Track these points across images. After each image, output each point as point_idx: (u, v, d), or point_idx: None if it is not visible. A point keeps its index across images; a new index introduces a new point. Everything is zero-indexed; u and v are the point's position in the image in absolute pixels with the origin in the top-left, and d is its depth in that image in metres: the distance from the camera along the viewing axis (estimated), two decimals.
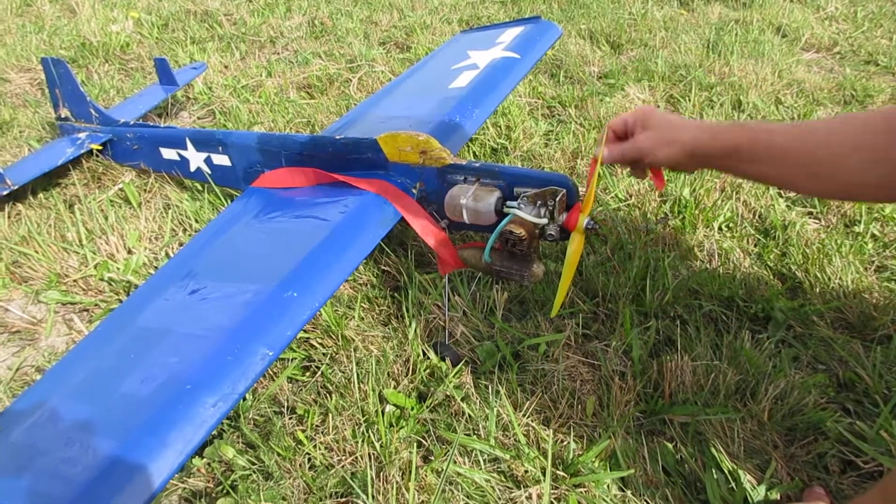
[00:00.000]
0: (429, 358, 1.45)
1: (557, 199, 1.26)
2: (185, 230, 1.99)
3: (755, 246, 1.88)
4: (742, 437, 1.29)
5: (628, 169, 1.29)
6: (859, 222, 1.97)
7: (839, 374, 1.45)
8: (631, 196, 2.07)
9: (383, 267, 1.74)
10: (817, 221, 2.02)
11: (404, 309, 1.56)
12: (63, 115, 2.38)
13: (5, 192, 2.07)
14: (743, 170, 1.11)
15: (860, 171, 0.99)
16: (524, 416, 1.29)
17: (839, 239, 1.88)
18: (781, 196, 2.14)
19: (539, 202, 1.29)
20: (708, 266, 1.78)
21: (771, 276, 1.75)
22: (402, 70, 2.89)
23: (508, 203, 1.33)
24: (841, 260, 1.77)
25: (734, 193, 2.07)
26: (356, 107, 2.20)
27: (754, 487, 1.20)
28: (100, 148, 2.26)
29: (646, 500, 1.18)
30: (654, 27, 3.61)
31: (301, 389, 1.44)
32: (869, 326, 1.58)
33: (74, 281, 1.83)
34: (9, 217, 2.10)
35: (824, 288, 1.70)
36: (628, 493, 1.19)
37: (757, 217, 2.00)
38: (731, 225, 1.96)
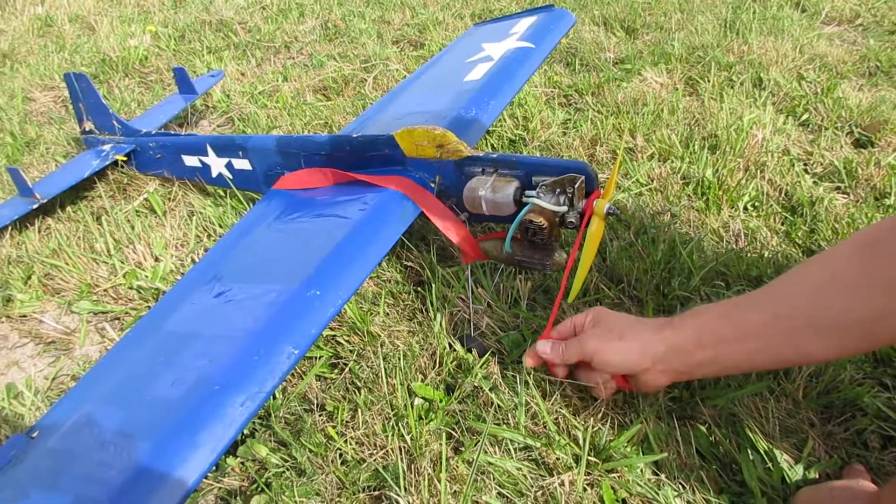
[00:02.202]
0: (455, 350, 1.45)
1: (576, 186, 1.25)
2: (209, 236, 2.02)
3: (782, 224, 1.85)
4: (777, 416, 1.26)
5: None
6: (889, 194, 1.92)
7: (875, 349, 1.42)
8: (652, 180, 2.04)
9: (406, 262, 1.75)
10: (846, 196, 1.97)
11: (429, 303, 1.57)
12: (87, 129, 2.43)
13: (35, 206, 2.12)
14: (731, 354, 1.00)
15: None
16: (553, 404, 1.29)
17: (869, 212, 1.83)
18: (808, 172, 2.09)
19: (558, 190, 1.28)
20: (734, 247, 1.74)
21: (800, 254, 1.71)
22: (417, 67, 2.89)
23: (527, 192, 1.32)
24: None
25: (758, 172, 2.04)
26: (372, 105, 2.21)
27: (791, 467, 1.18)
28: (124, 159, 2.30)
29: (680, 484, 1.16)
30: (669, 10, 3.56)
31: (330, 386, 1.45)
32: None
33: (105, 290, 1.87)
34: (39, 231, 2.15)
35: None
36: (662, 476, 1.18)
37: (783, 195, 1.96)
38: (756, 204, 1.93)
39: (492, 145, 2.34)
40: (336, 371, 1.49)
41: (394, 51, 3.26)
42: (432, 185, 1.51)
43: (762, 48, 2.94)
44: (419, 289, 1.66)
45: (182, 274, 1.84)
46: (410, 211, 1.47)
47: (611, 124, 2.36)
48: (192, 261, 1.92)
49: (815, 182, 2.03)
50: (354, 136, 1.65)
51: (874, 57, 2.85)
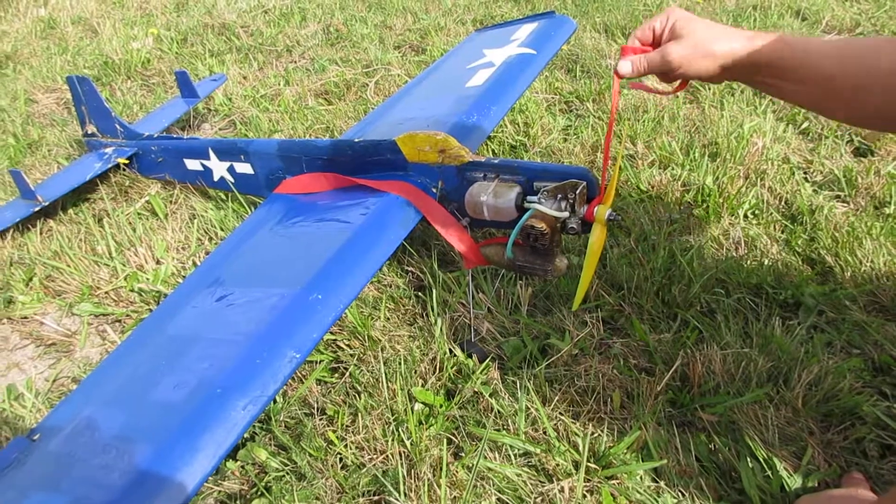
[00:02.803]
0: (455, 355, 1.46)
1: (578, 191, 1.26)
2: (210, 239, 2.02)
3: (782, 232, 1.85)
4: (776, 424, 1.27)
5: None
6: (889, 203, 1.93)
7: (874, 358, 1.42)
8: (653, 187, 2.05)
9: (407, 267, 1.75)
10: (846, 204, 1.98)
11: (429, 308, 1.57)
12: (90, 132, 2.43)
13: (36, 209, 2.12)
14: (776, 87, 1.03)
15: None
16: (553, 410, 1.29)
17: (869, 221, 1.84)
18: (808, 180, 2.10)
19: (559, 196, 1.28)
20: (735, 254, 1.75)
21: (800, 262, 1.72)
22: (418, 72, 2.90)
23: (529, 198, 1.32)
24: (872, 242, 1.73)
25: (759, 180, 2.04)
26: (374, 110, 2.21)
27: (791, 475, 1.18)
28: (126, 162, 2.30)
29: (680, 491, 1.17)
30: None
31: (330, 391, 1.45)
32: None
33: (106, 293, 1.87)
34: (41, 233, 2.16)
35: (856, 272, 1.66)
36: (661, 483, 1.18)
37: (783, 203, 1.97)
38: (756, 212, 1.93)
39: (493, 151, 2.35)
40: (336, 375, 1.50)
41: (395, 56, 3.27)
42: (434, 191, 1.51)
43: None
44: (420, 294, 1.67)
45: (183, 277, 1.85)
46: (412, 216, 1.47)
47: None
48: (194, 264, 1.92)
49: (815, 190, 2.04)
50: (356, 140, 1.65)
51: None
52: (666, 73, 1.09)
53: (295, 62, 3.39)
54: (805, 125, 2.40)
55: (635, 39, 1.14)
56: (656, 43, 1.12)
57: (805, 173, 2.15)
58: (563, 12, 3.73)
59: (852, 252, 1.71)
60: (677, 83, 1.15)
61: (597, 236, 1.24)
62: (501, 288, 1.65)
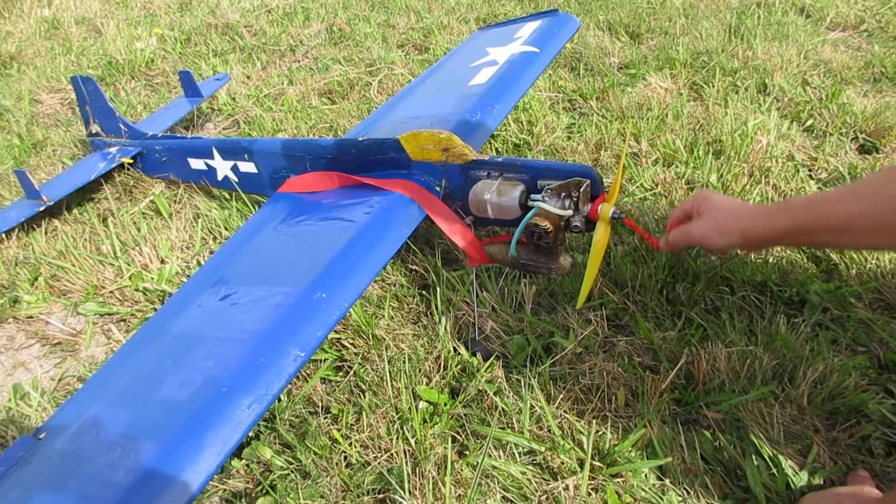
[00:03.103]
0: (459, 354, 1.46)
1: (581, 189, 1.25)
2: (214, 238, 2.02)
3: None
4: (781, 422, 1.26)
5: None
6: None
7: (880, 356, 1.42)
8: (657, 185, 2.05)
9: (411, 266, 1.75)
10: None
11: (433, 306, 1.57)
12: (94, 131, 2.44)
13: (41, 208, 2.13)
14: (808, 242, 1.11)
15: None
16: (557, 408, 1.29)
17: None
18: (812, 177, 2.09)
19: (563, 194, 1.28)
20: (739, 252, 1.74)
21: (805, 260, 1.71)
22: (422, 71, 2.89)
23: (532, 196, 1.32)
24: None
25: (763, 177, 2.04)
26: (377, 109, 2.21)
27: (796, 473, 1.18)
28: (130, 161, 2.31)
29: (685, 489, 1.17)
30: (673, 15, 3.57)
31: (335, 389, 1.45)
32: None
33: (111, 292, 1.88)
34: (46, 233, 2.16)
35: (861, 269, 1.66)
36: (666, 481, 1.18)
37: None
38: None
39: (496, 149, 2.34)
40: (341, 374, 1.50)
41: (399, 55, 3.27)
42: (438, 189, 1.51)
43: (767, 54, 2.94)
44: (424, 292, 1.67)
45: (188, 276, 1.85)
46: (416, 214, 1.47)
47: (615, 129, 2.36)
48: (198, 263, 1.93)
49: (819, 188, 2.03)
50: (360, 139, 1.65)
51: (879, 63, 2.85)
52: (694, 245, 1.18)
53: (298, 61, 3.39)
54: (810, 122, 2.40)
55: (672, 219, 1.25)
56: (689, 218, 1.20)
57: (810, 171, 2.14)
58: (566, 10, 3.72)
59: (857, 249, 1.70)
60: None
61: (601, 234, 1.24)
62: (505, 286, 1.64)
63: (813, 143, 2.29)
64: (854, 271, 1.65)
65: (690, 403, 1.32)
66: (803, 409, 1.29)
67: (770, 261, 1.70)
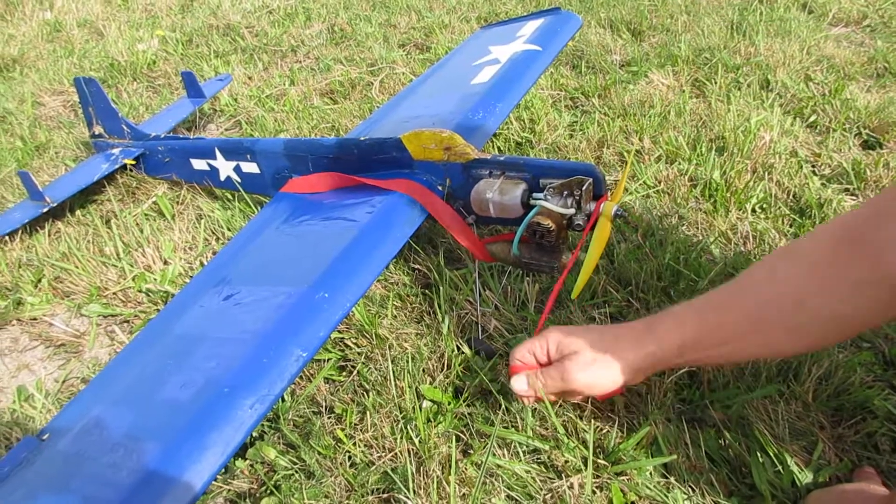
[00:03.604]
0: (463, 353, 1.45)
1: (584, 188, 1.25)
2: (217, 239, 2.03)
3: (791, 226, 1.84)
4: (787, 419, 1.26)
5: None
6: None
7: (885, 352, 1.41)
8: (660, 182, 2.04)
9: (413, 265, 1.75)
10: (854, 198, 1.96)
11: (436, 305, 1.57)
12: (97, 133, 2.44)
13: (45, 210, 2.13)
14: (707, 358, 0.97)
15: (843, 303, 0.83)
16: (561, 407, 1.29)
17: None
18: (816, 174, 2.09)
19: (566, 192, 1.28)
20: (743, 249, 1.74)
21: None
22: (423, 70, 2.89)
23: (535, 195, 1.32)
24: None
25: (766, 174, 2.03)
26: (379, 109, 2.21)
27: (802, 470, 1.17)
28: (133, 162, 2.31)
29: (690, 486, 1.16)
30: (675, 12, 3.56)
31: (338, 389, 1.45)
32: None
33: (114, 294, 1.88)
34: (49, 235, 2.17)
35: None
36: (671, 479, 1.17)
37: (791, 196, 1.96)
38: (764, 206, 1.92)
39: (498, 148, 2.34)
40: (344, 373, 1.50)
41: (400, 54, 3.27)
42: (440, 188, 1.51)
43: (769, 50, 2.93)
44: (427, 291, 1.67)
45: (190, 277, 1.85)
46: (418, 214, 1.47)
47: (618, 126, 2.35)
48: (201, 264, 1.93)
49: (823, 184, 2.02)
50: (362, 138, 1.65)
51: (882, 58, 2.84)
52: (568, 394, 1.03)
53: (300, 62, 3.39)
54: (813, 118, 2.39)
55: (516, 361, 1.09)
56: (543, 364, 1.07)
57: (813, 167, 2.13)
58: (567, 8, 3.71)
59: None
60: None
61: (602, 230, 1.24)
62: (508, 285, 1.64)
63: (816, 138, 2.28)
64: None
65: (695, 402, 1.31)
66: (808, 405, 1.29)
67: None
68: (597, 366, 0.99)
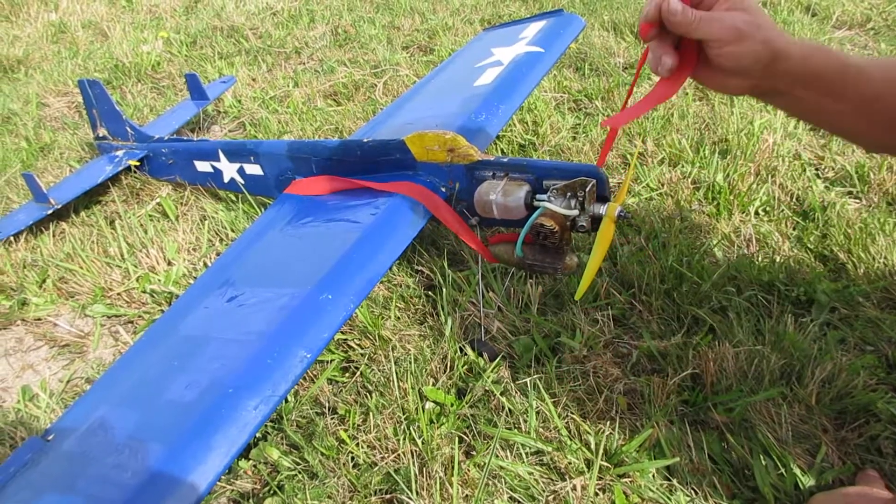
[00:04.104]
0: (466, 354, 1.46)
1: (587, 189, 1.25)
2: (221, 240, 2.03)
3: (794, 229, 1.84)
4: (790, 422, 1.26)
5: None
6: None
7: (888, 355, 1.41)
8: (663, 185, 2.04)
9: (417, 266, 1.75)
10: (858, 201, 1.96)
11: (439, 307, 1.57)
12: (101, 135, 2.45)
13: (50, 212, 2.14)
14: (815, 104, 0.89)
15: None
16: (564, 409, 1.29)
17: (882, 217, 1.82)
18: (820, 177, 2.08)
19: (569, 194, 1.28)
20: (746, 252, 1.74)
21: (812, 259, 1.71)
22: (427, 72, 2.90)
23: (538, 196, 1.32)
24: (885, 239, 1.72)
25: (769, 177, 2.03)
26: (382, 111, 2.22)
27: (805, 473, 1.18)
28: (137, 164, 2.32)
29: (692, 489, 1.16)
30: None
31: (341, 390, 1.45)
32: None
33: (118, 294, 1.89)
34: (54, 236, 2.18)
35: (869, 268, 1.65)
36: (674, 481, 1.18)
37: (794, 200, 1.96)
38: (767, 209, 1.92)
39: (502, 150, 2.34)
40: (347, 375, 1.50)
41: (404, 56, 3.27)
42: (443, 190, 1.51)
43: None
44: (430, 293, 1.67)
45: (195, 278, 1.86)
46: (421, 216, 1.47)
47: (621, 129, 2.35)
48: (205, 265, 1.93)
49: (826, 187, 2.02)
50: (365, 140, 1.66)
51: None
52: (706, 45, 0.86)
53: (303, 64, 3.40)
54: None
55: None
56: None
57: (817, 170, 2.13)
58: (571, 10, 3.72)
59: (865, 248, 1.69)
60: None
61: (605, 230, 1.24)
62: (511, 286, 1.64)
63: (820, 141, 2.28)
64: (862, 270, 1.65)
65: (698, 404, 1.31)
66: (811, 408, 1.29)
67: (777, 260, 1.69)
68: (756, 30, 0.84)
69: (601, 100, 2.65)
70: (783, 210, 1.90)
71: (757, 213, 1.91)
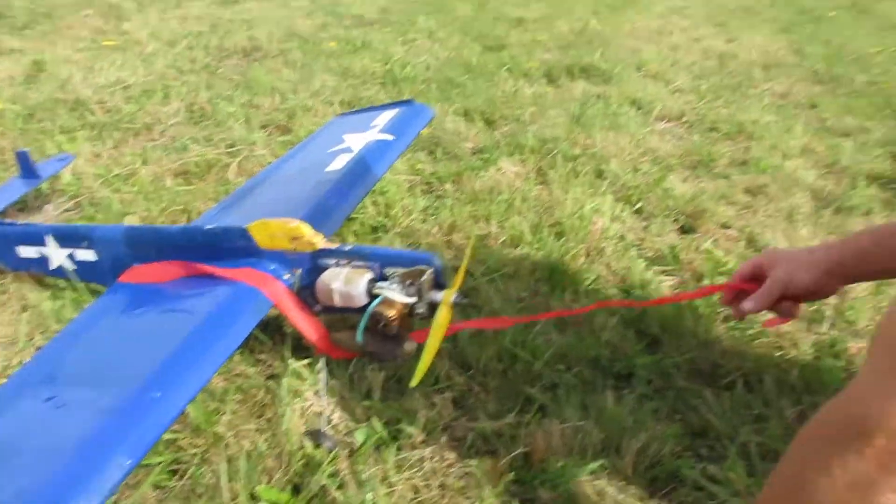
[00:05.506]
0: (305, 447, 1.44)
1: (424, 277, 1.32)
2: (42, 332, 1.88)
3: (618, 306, 2.01)
4: (611, 494, 1.35)
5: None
6: (706, 277, 2.16)
7: (693, 423, 1.56)
8: (504, 265, 2.17)
9: (258, 355, 1.72)
10: (672, 278, 2.20)
11: (279, 398, 1.55)
12: None
13: None
14: (884, 270, 1.18)
15: None
16: (400, 498, 1.30)
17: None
18: (641, 257, 2.31)
19: (408, 281, 1.34)
20: (577, 329, 1.88)
21: (633, 334, 1.87)
22: (283, 152, 2.92)
23: (379, 284, 1.37)
24: (693, 313, 1.93)
25: (598, 257, 2.23)
26: (234, 192, 2.21)
27: None
28: None
29: None
30: (524, 103, 3.87)
31: (167, 496, 1.37)
32: (718, 373, 1.73)
33: None
34: None
35: (680, 340, 1.84)
36: None
37: (619, 278, 2.16)
38: (596, 287, 2.09)
39: (354, 232, 2.39)
40: (176, 478, 1.42)
41: (261, 135, 3.29)
42: (287, 278, 1.52)
43: (604, 141, 3.26)
44: (271, 382, 1.64)
45: (7, 377, 1.70)
46: (262, 305, 1.47)
47: (467, 212, 2.50)
48: (20, 362, 1.77)
49: (646, 266, 2.24)
50: (207, 227, 1.64)
51: (697, 151, 3.25)
52: (781, 293, 1.20)
53: (154, 140, 3.31)
54: (639, 205, 2.66)
55: (737, 276, 1.29)
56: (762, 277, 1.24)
57: (639, 249, 2.36)
58: (427, 97, 3.94)
59: (677, 322, 1.89)
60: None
61: (441, 317, 1.30)
62: (355, 373, 1.66)
63: (642, 224, 2.54)
64: (675, 343, 1.83)
65: (528, 482, 1.38)
66: (629, 478, 1.39)
67: (603, 337, 1.84)
68: (795, 265, 1.18)
69: (452, 183, 2.80)
70: (609, 288, 2.09)
71: (587, 291, 2.07)
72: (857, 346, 1.85)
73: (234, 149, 3.10)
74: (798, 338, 1.87)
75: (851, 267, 1.19)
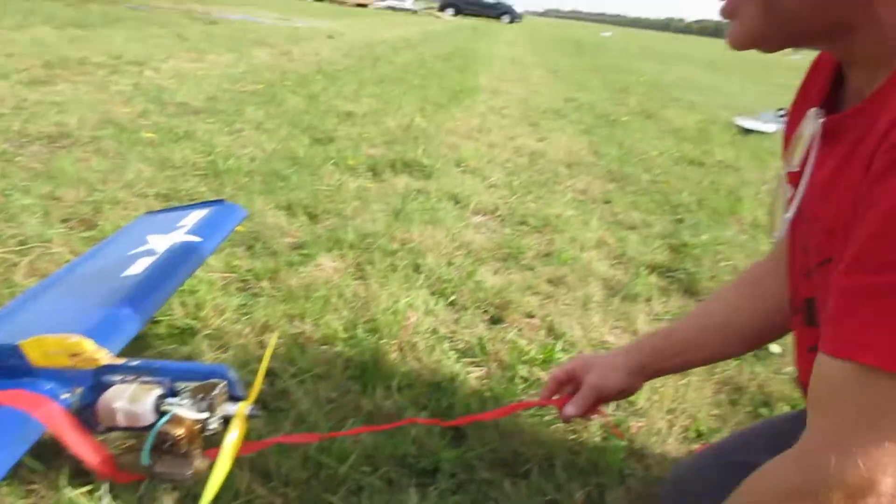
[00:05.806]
0: None
1: (217, 391, 1.29)
2: None
3: (428, 401, 2.09)
4: None
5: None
6: (513, 367, 2.31)
7: None
8: (316, 366, 2.17)
9: (31, 486, 1.55)
10: (480, 369, 2.33)
11: None
12: None
13: None
14: (675, 364, 1.43)
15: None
16: None
17: (496, 384, 2.18)
18: (453, 349, 2.43)
19: (200, 396, 1.30)
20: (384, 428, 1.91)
21: (439, 429, 1.94)
22: (84, 250, 2.73)
23: (168, 400, 1.32)
24: (497, 404, 2.05)
25: (410, 352, 2.31)
26: (18, 297, 2.02)
27: None
28: None
29: None
30: (347, 198, 3.99)
31: None
32: (518, 461, 1.84)
33: None
34: None
35: (484, 432, 1.93)
36: None
37: (430, 372, 2.24)
38: (408, 383, 2.16)
39: (158, 335, 2.28)
40: None
41: (61, 231, 3.05)
42: (64, 397, 1.41)
43: (421, 236, 3.43)
44: None
45: None
46: (33, 429, 1.35)
47: (282, 310, 2.48)
48: None
49: (457, 358, 2.36)
50: None
51: (507, 244, 3.53)
52: (595, 399, 1.41)
53: None
54: (453, 298, 2.81)
55: (553, 381, 1.52)
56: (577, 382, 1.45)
57: (450, 342, 2.48)
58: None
59: (482, 412, 1.99)
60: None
61: (234, 432, 1.27)
62: (145, 495, 1.55)
63: (454, 316, 2.68)
64: (478, 435, 1.92)
65: None
66: None
67: (412, 433, 1.89)
68: (604, 370, 1.39)
69: (268, 280, 2.77)
70: (421, 384, 2.16)
71: (399, 388, 2.13)
72: (637, 425, 2.07)
73: (24, 247, 2.85)
74: (588, 421, 2.04)
75: (650, 365, 1.41)
